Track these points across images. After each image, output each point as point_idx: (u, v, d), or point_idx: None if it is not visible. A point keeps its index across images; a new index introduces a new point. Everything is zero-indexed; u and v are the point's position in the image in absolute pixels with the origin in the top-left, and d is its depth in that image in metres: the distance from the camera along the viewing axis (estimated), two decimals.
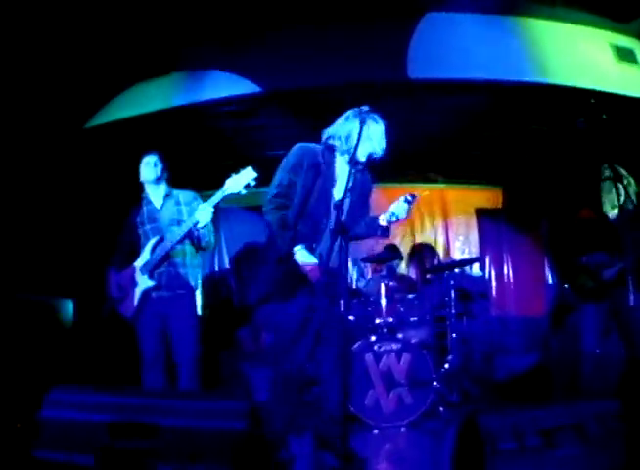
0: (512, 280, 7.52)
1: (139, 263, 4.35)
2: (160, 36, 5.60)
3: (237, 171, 4.17)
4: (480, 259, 7.45)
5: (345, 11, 5.12)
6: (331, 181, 3.53)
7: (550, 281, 7.26)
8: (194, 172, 5.80)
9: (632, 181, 4.20)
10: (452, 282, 5.57)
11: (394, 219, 3.46)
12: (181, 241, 4.33)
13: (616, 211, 4.21)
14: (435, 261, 7.03)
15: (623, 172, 4.12)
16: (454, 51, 5.09)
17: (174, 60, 5.91)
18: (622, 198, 4.04)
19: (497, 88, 5.34)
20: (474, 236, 7.65)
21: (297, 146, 3.58)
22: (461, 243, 7.56)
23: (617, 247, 4.06)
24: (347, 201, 3.44)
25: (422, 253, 6.90)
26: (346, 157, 3.51)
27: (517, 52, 5.13)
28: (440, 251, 7.49)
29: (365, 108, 3.44)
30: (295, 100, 5.58)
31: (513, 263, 7.54)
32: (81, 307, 5.98)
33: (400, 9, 5.09)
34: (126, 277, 4.39)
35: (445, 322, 5.54)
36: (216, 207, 4.17)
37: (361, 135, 3.36)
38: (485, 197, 7.80)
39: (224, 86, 5.66)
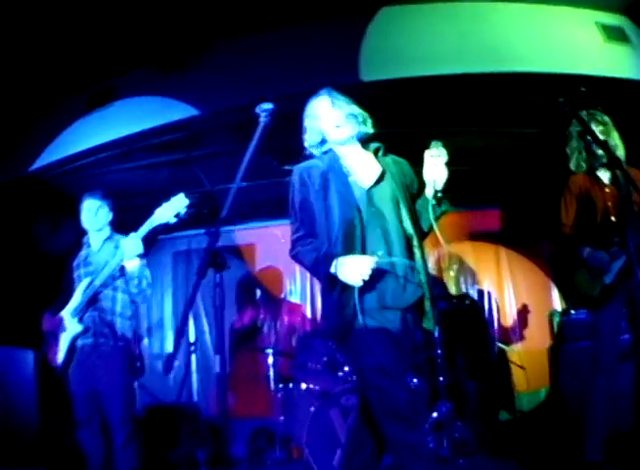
0: (515, 310, 6.73)
1: (69, 307, 4.05)
2: (93, 66, 5.16)
3: (167, 199, 3.82)
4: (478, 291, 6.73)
5: (287, 15, 4.55)
6: (345, 176, 2.84)
7: (557, 308, 6.46)
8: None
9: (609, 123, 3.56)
10: (436, 319, 4.78)
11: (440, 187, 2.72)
12: (111, 282, 4.01)
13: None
14: None
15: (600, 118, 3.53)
16: (417, 46, 4.45)
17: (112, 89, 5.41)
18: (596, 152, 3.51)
19: (474, 83, 4.67)
20: (469, 264, 6.89)
21: (294, 169, 2.94)
22: (455, 272, 6.79)
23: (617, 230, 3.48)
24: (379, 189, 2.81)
25: None
26: (344, 145, 2.92)
27: (491, 41, 4.49)
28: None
29: None
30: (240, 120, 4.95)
31: (515, 291, 6.78)
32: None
33: (352, 6, 4.47)
34: (58, 322, 4.10)
35: (432, 364, 4.77)
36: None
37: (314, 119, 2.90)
38: (481, 220, 7.06)
39: (165, 113, 5.12)
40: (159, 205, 3.84)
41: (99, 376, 3.93)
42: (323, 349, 4.75)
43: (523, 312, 6.63)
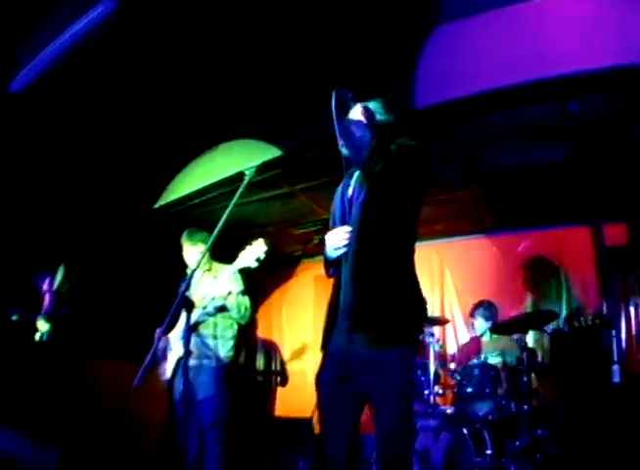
0: None
1: (177, 331, 4.56)
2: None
3: (250, 243, 4.08)
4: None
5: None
6: (341, 195, 3.01)
7: None
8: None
9: None
10: (522, 343, 4.53)
11: None
12: (212, 310, 4.50)
13: None
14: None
15: None
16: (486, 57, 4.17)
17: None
18: None
19: (564, 86, 4.20)
20: (594, 283, 6.35)
21: None
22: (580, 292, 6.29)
23: None
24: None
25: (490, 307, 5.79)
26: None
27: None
28: (560, 307, 6.32)
29: None
30: None
31: None
32: None
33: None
34: (167, 341, 4.67)
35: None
36: None
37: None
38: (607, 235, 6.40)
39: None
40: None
41: (197, 389, 4.49)
42: None
43: None
